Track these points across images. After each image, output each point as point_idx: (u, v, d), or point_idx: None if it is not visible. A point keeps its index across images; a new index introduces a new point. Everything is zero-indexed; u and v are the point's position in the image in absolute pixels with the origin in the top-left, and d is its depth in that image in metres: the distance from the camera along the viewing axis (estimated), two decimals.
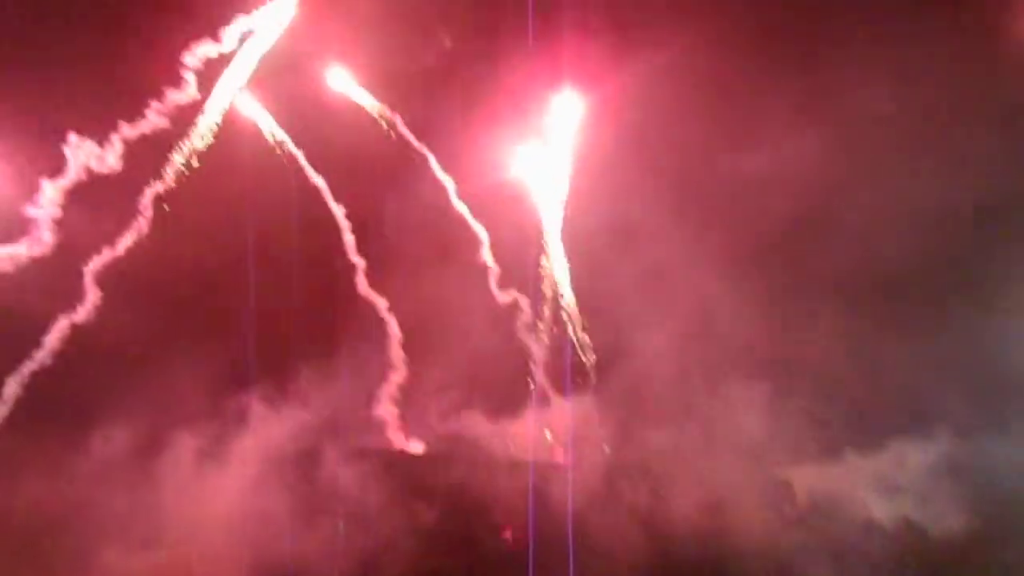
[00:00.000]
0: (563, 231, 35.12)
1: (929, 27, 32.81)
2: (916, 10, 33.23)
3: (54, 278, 31.96)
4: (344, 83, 34.28)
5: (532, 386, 35.33)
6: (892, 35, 33.66)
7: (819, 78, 33.75)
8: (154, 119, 31.95)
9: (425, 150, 34.67)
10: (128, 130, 31.81)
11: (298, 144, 34.06)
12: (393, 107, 34.49)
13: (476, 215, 34.89)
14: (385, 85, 34.30)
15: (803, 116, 33.24)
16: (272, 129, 33.98)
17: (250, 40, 32.61)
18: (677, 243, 34.03)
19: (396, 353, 35.02)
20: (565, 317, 35.22)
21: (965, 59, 32.93)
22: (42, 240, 31.45)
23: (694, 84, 33.46)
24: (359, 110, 34.37)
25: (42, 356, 32.41)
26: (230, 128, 33.40)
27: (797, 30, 33.99)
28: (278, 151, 33.96)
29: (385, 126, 34.44)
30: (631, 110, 33.78)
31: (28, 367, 32.24)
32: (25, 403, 32.30)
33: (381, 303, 34.75)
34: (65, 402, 32.66)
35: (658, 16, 33.66)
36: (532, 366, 35.34)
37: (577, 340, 35.20)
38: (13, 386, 32.36)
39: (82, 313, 32.35)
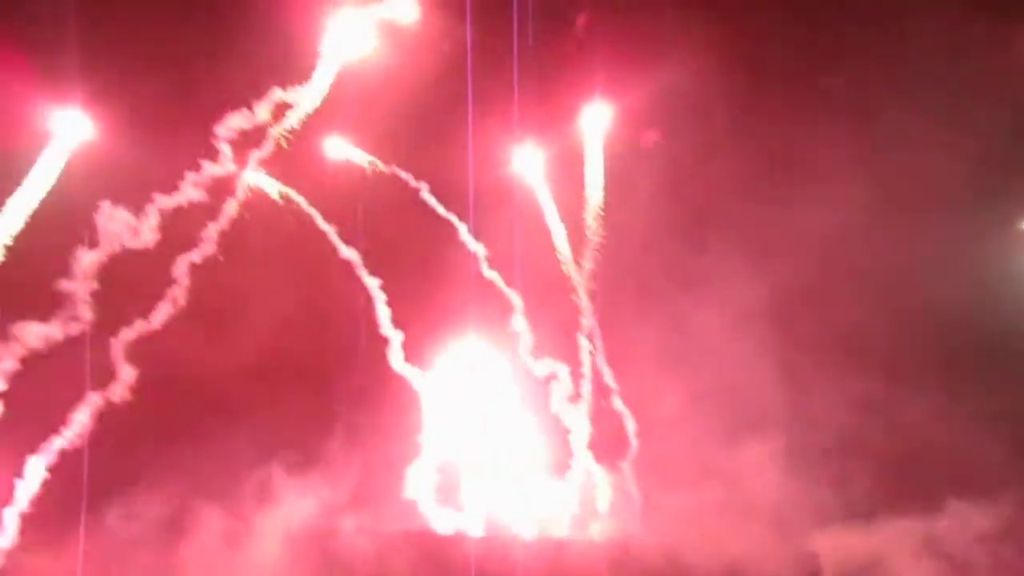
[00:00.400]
0: (593, 289, 34.98)
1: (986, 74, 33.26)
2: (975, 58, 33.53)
3: (85, 352, 31.48)
4: (369, 157, 34.28)
5: (572, 458, 34.81)
6: (944, 84, 33.95)
7: (857, 122, 33.98)
8: (190, 191, 31.81)
9: (453, 218, 34.62)
10: (164, 201, 31.69)
11: (328, 219, 33.93)
12: (418, 176, 34.46)
13: (508, 282, 34.67)
14: (409, 155, 34.21)
15: (838, 166, 33.48)
16: (301, 203, 33.84)
17: (285, 114, 32.70)
18: (703, 297, 34.01)
19: (431, 429, 34.39)
20: (601, 385, 34.89)
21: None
22: (78, 317, 31.02)
23: (725, 127, 33.72)
24: (386, 182, 34.24)
25: (71, 435, 31.73)
26: (261, 202, 33.34)
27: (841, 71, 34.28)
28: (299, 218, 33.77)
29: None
30: (657, 157, 33.99)
31: (56, 445, 31.54)
32: (51, 483, 31.57)
33: (416, 376, 34.19)
34: (92, 481, 31.99)
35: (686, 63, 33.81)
36: (571, 437, 34.86)
37: (615, 408, 34.86)
38: (39, 466, 31.64)
39: (114, 391, 31.78)
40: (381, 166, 34.09)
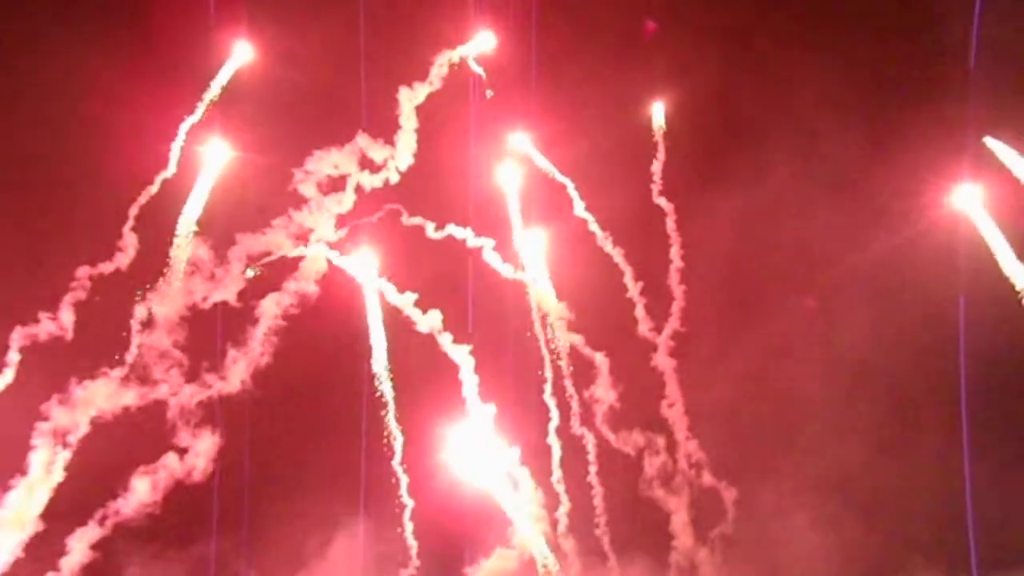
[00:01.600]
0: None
1: None
2: None
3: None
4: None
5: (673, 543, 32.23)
6: None
7: None
8: (277, 238, 29.82)
9: (525, 277, 32.72)
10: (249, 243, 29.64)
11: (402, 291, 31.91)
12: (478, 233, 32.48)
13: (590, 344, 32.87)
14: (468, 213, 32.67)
15: None
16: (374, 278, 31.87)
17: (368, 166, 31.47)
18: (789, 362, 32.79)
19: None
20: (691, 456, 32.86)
21: None
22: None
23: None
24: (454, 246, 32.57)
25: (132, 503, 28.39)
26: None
27: None
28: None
29: None
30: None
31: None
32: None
33: (510, 452, 31.29)
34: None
35: None
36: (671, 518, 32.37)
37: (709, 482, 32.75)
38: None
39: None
40: (432, 231, 32.21)
